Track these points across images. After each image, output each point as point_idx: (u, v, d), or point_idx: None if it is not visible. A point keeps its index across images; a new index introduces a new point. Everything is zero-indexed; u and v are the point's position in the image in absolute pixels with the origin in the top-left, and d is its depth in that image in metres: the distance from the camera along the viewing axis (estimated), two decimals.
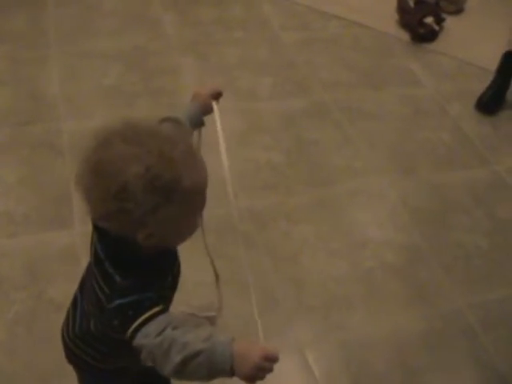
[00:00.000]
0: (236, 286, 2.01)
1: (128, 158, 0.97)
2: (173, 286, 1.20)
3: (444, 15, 3.51)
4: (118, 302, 1.04)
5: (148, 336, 1.00)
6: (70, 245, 2.08)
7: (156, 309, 1.02)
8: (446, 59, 3.29)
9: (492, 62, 3.06)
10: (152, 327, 1.00)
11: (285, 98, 2.87)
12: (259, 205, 2.32)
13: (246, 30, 3.33)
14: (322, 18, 3.50)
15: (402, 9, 3.50)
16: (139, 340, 1.01)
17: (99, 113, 2.60)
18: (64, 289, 1.87)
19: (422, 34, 3.36)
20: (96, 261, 1.13)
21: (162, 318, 1.01)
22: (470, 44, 3.45)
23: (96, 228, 1.12)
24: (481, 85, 3.00)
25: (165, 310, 1.05)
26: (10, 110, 2.64)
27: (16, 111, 2.63)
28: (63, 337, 1.31)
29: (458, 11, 3.71)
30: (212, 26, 3.32)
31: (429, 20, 3.40)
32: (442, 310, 2.08)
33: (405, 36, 3.41)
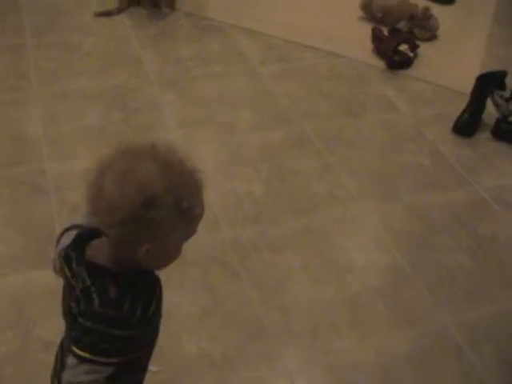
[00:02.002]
0: (221, 317, 2.04)
1: (159, 173, 1.01)
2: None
3: (418, 42, 3.58)
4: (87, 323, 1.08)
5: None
6: (56, 283, 2.08)
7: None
8: (422, 84, 3.35)
9: (467, 85, 3.13)
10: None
11: (264, 129, 2.91)
12: (242, 236, 2.35)
13: (224, 64, 3.38)
14: (299, 50, 3.56)
15: (376, 37, 3.56)
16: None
17: (82, 153, 2.63)
18: (51, 327, 1.86)
19: (397, 61, 3.42)
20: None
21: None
22: (444, 69, 3.52)
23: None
24: (457, 108, 3.06)
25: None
26: None
27: None
28: (52, 381, 1.29)
29: (432, 38, 3.78)
30: (190, 61, 3.37)
31: (403, 47, 3.47)
32: (428, 330, 2.09)
33: (380, 64, 3.47)
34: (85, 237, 1.16)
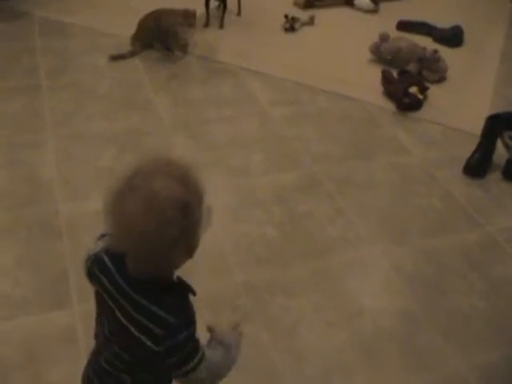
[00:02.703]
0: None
1: (180, 187, 1.13)
2: None
3: (427, 84, 3.61)
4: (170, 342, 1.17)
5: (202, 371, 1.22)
6: (70, 324, 2.09)
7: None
8: (432, 126, 3.38)
9: (476, 126, 3.16)
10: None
11: (276, 172, 2.93)
12: (255, 279, 2.35)
13: (235, 106, 3.42)
14: (310, 92, 3.61)
15: (386, 80, 3.60)
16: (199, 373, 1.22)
17: (95, 194, 2.64)
18: (63, 371, 1.88)
19: (407, 103, 3.45)
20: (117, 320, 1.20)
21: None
22: (454, 110, 3.55)
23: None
24: (467, 149, 3.08)
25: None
26: (6, 192, 2.69)
27: (13, 194, 2.68)
28: None
29: (441, 79, 3.82)
30: (202, 104, 3.41)
31: (413, 90, 3.50)
32: (442, 374, 2.08)
33: (390, 106, 3.51)
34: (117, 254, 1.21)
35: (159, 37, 3.91)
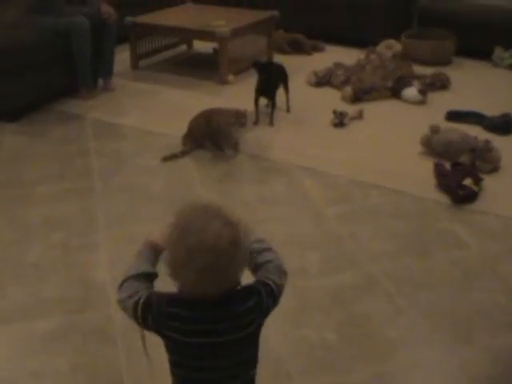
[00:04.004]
0: None
1: (225, 226, 1.40)
2: None
3: (482, 175, 3.56)
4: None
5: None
6: None
7: None
8: (490, 218, 3.30)
9: None
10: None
11: (333, 272, 2.88)
12: None
13: (289, 205, 3.42)
14: (363, 188, 3.58)
15: (439, 173, 3.56)
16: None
17: None
18: None
19: (462, 195, 3.39)
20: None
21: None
22: (511, 201, 3.47)
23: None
24: None
25: None
26: (61, 297, 2.70)
27: (67, 299, 2.69)
28: None
29: (495, 169, 3.76)
30: (256, 203, 3.41)
31: (467, 181, 3.45)
32: None
33: (445, 199, 3.45)
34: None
35: (210, 136, 3.97)
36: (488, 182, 3.57)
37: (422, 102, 4.82)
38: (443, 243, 3.10)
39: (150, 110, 4.65)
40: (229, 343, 1.45)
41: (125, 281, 1.55)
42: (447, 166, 3.64)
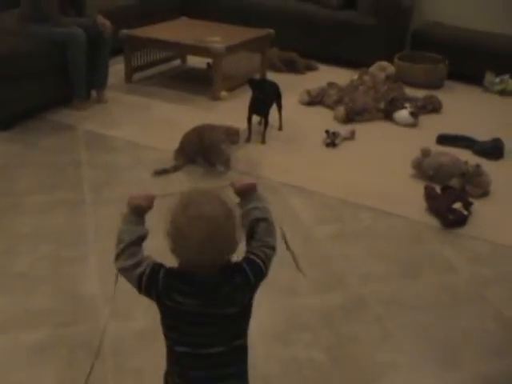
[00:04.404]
0: None
1: (222, 205, 1.57)
2: None
3: (471, 199, 3.58)
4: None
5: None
6: None
7: None
8: (479, 243, 3.32)
9: None
10: None
11: (322, 292, 2.88)
12: None
13: (279, 225, 3.39)
14: (353, 209, 3.59)
15: (429, 196, 3.58)
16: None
17: (138, 313, 2.62)
18: None
19: (451, 220, 3.41)
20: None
21: None
22: (500, 226, 3.50)
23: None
24: None
25: None
26: (49, 309, 2.67)
27: (55, 311, 2.67)
28: None
29: (485, 194, 3.79)
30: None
31: (457, 205, 3.46)
32: None
33: (435, 222, 3.47)
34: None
35: (202, 152, 3.98)
36: (478, 206, 3.59)
37: (413, 125, 4.85)
38: (433, 267, 3.11)
39: (142, 124, 4.65)
40: (219, 315, 1.60)
41: (125, 247, 1.67)
42: (438, 189, 3.66)
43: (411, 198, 3.70)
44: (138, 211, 1.71)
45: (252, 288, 1.65)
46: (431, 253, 3.22)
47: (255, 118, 4.47)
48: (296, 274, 2.94)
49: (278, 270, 2.96)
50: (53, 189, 3.66)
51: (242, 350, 1.69)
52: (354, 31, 6.17)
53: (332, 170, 4.05)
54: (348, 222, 3.48)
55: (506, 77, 5.79)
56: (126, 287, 2.74)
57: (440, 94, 5.42)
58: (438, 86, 5.84)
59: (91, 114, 4.77)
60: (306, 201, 3.67)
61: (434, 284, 2.98)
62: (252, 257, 1.65)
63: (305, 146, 4.42)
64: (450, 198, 3.52)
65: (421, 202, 3.62)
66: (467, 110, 5.38)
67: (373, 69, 5.81)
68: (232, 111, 4.76)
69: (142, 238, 1.69)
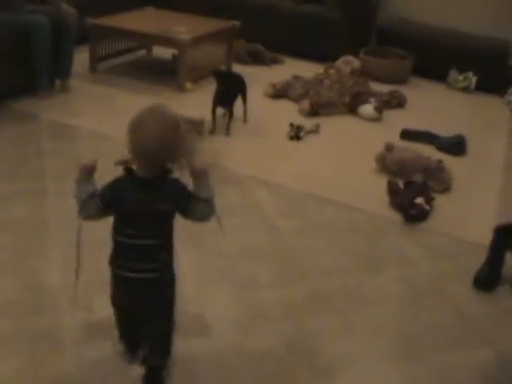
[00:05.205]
0: None
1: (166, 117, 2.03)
2: None
3: (433, 194, 3.63)
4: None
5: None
6: None
7: None
8: (440, 238, 3.36)
9: (485, 237, 3.15)
10: None
11: (284, 285, 2.88)
12: None
13: (242, 217, 3.41)
14: (316, 203, 3.61)
15: (392, 191, 3.62)
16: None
17: (99, 304, 2.59)
18: None
19: (413, 214, 3.44)
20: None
21: None
22: (461, 221, 3.55)
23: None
24: (476, 260, 3.06)
25: None
26: (10, 301, 2.63)
27: (16, 303, 2.63)
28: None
29: (446, 189, 3.84)
30: None
31: (419, 200, 3.50)
32: None
33: (397, 217, 3.51)
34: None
35: None
36: (439, 201, 3.64)
37: (377, 119, 4.89)
38: (394, 261, 3.14)
39: (106, 114, 4.60)
40: (151, 212, 2.00)
41: (82, 203, 2.04)
42: (400, 184, 3.69)
43: (374, 192, 3.73)
44: (86, 171, 2.05)
45: (176, 207, 2.04)
46: (393, 247, 3.26)
47: (220, 111, 4.46)
48: (258, 266, 3.01)
49: (239, 264, 3.01)
50: (14, 179, 3.60)
51: (166, 246, 2.11)
52: (321, 25, 6.19)
53: (296, 163, 4.07)
54: (311, 215, 3.49)
55: (470, 74, 5.87)
56: (88, 278, 2.75)
57: (404, 90, 5.48)
58: (402, 81, 5.89)
59: (55, 104, 4.71)
60: (270, 193, 3.67)
61: (395, 278, 3.01)
62: (192, 200, 2.04)
63: (269, 138, 4.42)
64: (412, 192, 3.56)
65: (383, 197, 3.65)
66: (431, 105, 5.45)
67: (338, 63, 5.84)
68: (197, 103, 4.73)
69: (93, 194, 2.02)
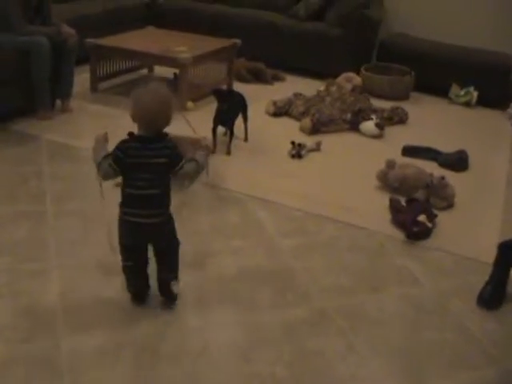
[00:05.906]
0: None
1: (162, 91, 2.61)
2: None
3: (436, 211, 3.60)
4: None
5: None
6: None
7: None
8: (442, 255, 3.33)
9: (488, 254, 3.12)
10: None
11: (285, 307, 2.85)
12: None
13: (243, 237, 3.39)
14: (318, 221, 3.59)
15: (394, 208, 3.59)
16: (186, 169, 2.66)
17: (98, 328, 2.58)
18: None
19: (416, 232, 3.41)
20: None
21: None
22: (464, 238, 3.51)
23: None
24: (479, 278, 3.03)
25: None
26: (6, 324, 2.60)
27: (13, 326, 2.59)
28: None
29: (449, 206, 3.81)
30: (210, 234, 3.38)
31: (421, 218, 3.47)
32: None
33: (399, 234, 3.48)
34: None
35: None
36: (442, 218, 3.61)
37: (379, 136, 4.88)
38: (396, 279, 3.11)
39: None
40: (151, 164, 2.52)
41: (99, 164, 2.55)
42: (402, 201, 3.67)
43: (376, 209, 3.71)
44: (101, 141, 2.63)
45: (170, 162, 2.55)
46: (395, 265, 3.22)
47: (220, 129, 4.45)
48: (258, 287, 2.98)
49: (240, 285, 2.98)
50: (14, 200, 3.59)
51: (167, 194, 2.65)
52: (321, 42, 6.20)
53: (297, 182, 4.05)
54: (312, 233, 3.47)
55: (471, 89, 5.86)
56: (86, 302, 2.73)
57: (406, 106, 5.47)
58: (404, 97, 5.89)
59: (55, 124, 4.71)
60: (271, 212, 3.65)
61: (397, 297, 2.98)
62: (183, 160, 2.58)
63: (270, 157, 4.40)
64: (414, 210, 3.53)
65: (385, 214, 3.63)
66: (433, 121, 5.43)
67: (339, 80, 5.84)
68: (198, 122, 4.71)
69: (106, 156, 2.55)
